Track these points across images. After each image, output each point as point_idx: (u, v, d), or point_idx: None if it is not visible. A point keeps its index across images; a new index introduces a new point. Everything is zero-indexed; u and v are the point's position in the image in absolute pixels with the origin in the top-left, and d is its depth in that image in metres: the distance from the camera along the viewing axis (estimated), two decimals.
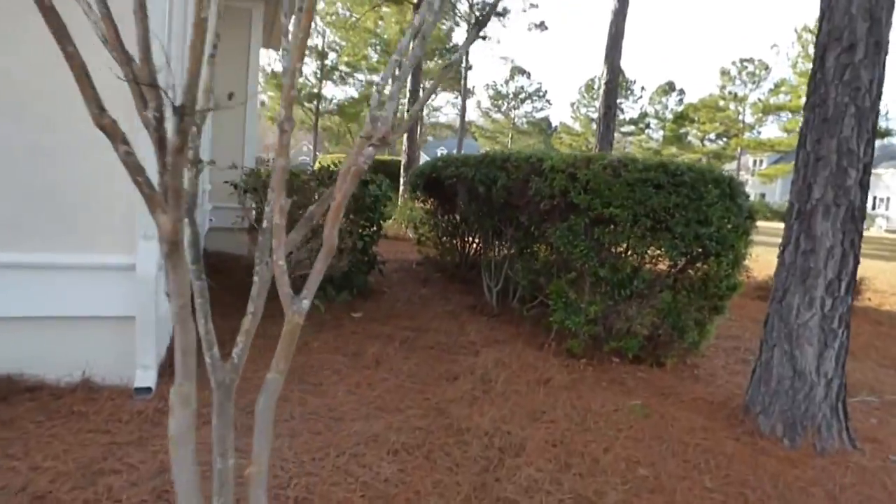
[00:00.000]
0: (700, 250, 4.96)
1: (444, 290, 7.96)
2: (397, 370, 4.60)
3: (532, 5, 52.35)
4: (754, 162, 60.28)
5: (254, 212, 6.98)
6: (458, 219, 8.34)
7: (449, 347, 5.33)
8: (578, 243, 5.06)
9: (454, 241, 8.85)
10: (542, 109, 63.58)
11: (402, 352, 5.06)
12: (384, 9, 31.12)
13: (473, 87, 62.12)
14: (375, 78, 46.02)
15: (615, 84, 13.89)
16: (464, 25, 42.99)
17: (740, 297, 6.27)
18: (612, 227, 4.99)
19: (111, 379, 3.60)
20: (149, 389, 3.60)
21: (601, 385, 4.67)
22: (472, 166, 6.68)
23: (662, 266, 5.36)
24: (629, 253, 5.14)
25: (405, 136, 20.78)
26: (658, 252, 5.19)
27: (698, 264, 5.15)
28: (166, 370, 3.90)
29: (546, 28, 45.73)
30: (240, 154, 9.09)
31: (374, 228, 7.01)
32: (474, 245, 8.47)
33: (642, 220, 4.88)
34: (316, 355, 4.75)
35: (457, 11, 38.93)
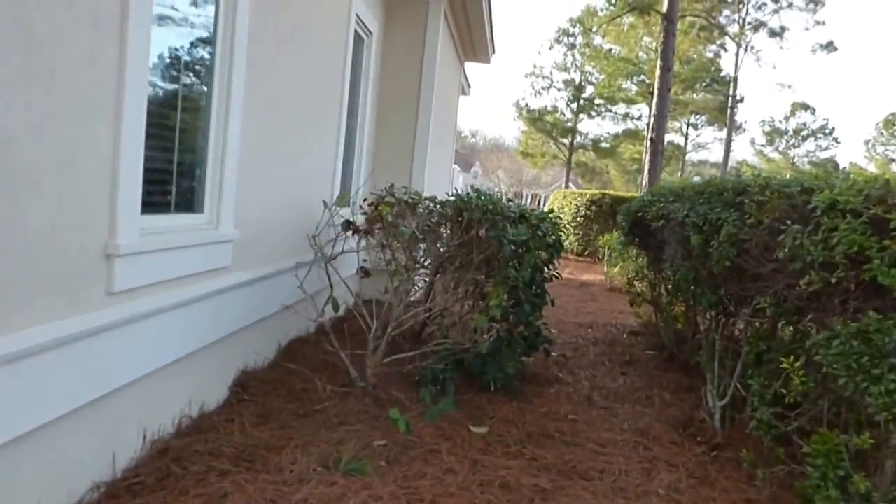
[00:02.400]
0: None
1: (649, 383, 5.28)
2: None
3: (817, 23, 45.15)
4: None
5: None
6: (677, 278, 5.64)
7: None
8: (882, 372, 2.32)
9: (676, 308, 6.07)
10: (827, 148, 54.69)
11: None
12: (629, 18, 28.14)
13: (745, 122, 55.68)
14: (633, 111, 43.08)
15: None
16: (732, 48, 38.34)
17: None
18: None
19: None
20: None
21: None
22: (687, 200, 4.09)
23: None
24: None
25: (646, 167, 17.78)
26: None
27: None
28: None
29: (835, 49, 39.17)
30: (405, 179, 7.29)
31: (536, 291, 4.68)
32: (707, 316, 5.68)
33: None
34: None
35: (727, 32, 34.53)
